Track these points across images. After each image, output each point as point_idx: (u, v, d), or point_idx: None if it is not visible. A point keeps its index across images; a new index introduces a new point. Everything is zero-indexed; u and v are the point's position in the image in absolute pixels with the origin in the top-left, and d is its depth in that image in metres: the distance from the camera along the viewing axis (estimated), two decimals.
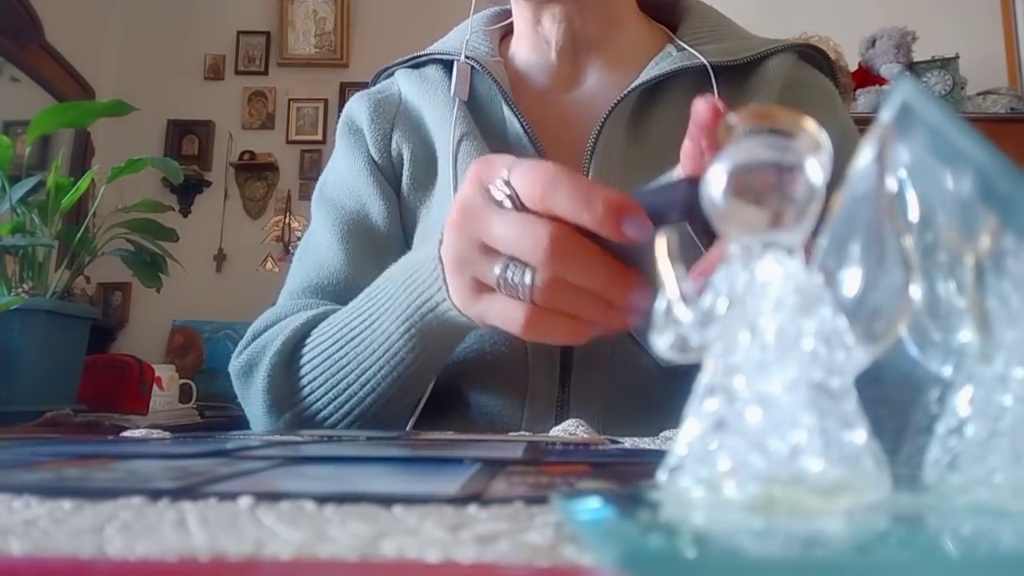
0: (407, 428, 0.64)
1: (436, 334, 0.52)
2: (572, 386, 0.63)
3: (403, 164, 0.73)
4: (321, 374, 0.59)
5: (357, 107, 0.76)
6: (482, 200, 0.42)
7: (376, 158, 0.74)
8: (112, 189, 0.90)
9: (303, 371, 0.60)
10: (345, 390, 0.58)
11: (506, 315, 0.42)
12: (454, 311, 0.48)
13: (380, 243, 0.71)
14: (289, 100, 3.26)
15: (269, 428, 0.62)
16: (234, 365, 0.65)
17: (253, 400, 0.63)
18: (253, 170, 3.22)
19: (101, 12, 3.18)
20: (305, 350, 0.61)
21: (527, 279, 0.40)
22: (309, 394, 0.59)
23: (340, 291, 0.68)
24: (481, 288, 0.44)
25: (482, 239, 0.42)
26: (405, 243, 0.73)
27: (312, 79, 3.28)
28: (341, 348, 0.58)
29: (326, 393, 0.59)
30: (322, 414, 0.59)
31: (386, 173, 0.74)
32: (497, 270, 0.42)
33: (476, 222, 0.42)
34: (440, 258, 0.47)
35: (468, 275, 0.44)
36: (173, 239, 0.95)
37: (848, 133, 0.70)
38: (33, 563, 0.14)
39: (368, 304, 0.57)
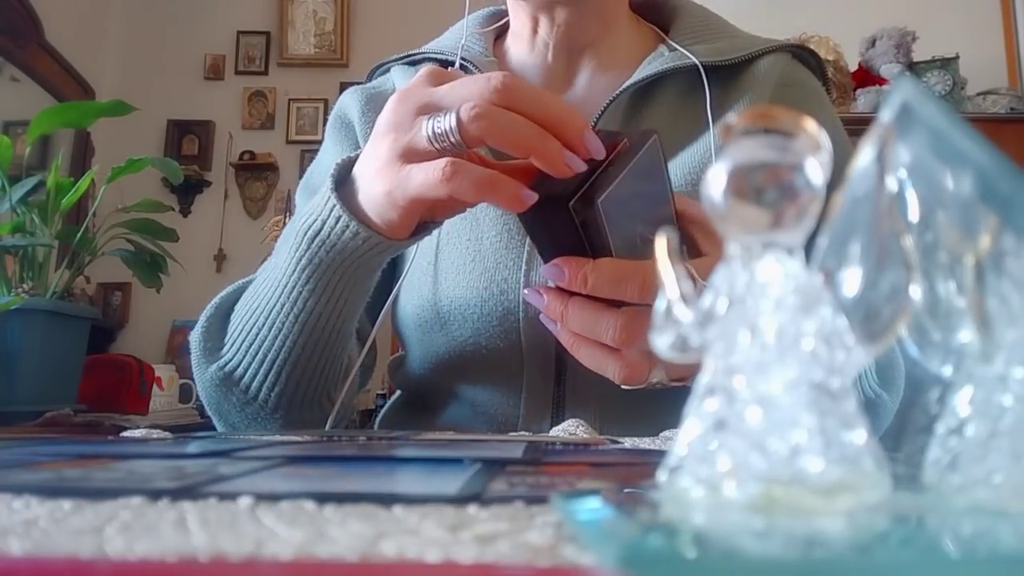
0: (344, 412, 0.63)
1: (328, 263, 0.53)
2: (567, 382, 0.63)
3: None
4: (240, 320, 0.59)
5: (349, 101, 0.76)
6: (426, 84, 0.47)
7: None
8: (112, 189, 0.90)
9: (231, 322, 0.61)
10: (256, 335, 0.57)
11: (428, 172, 0.44)
12: (344, 223, 0.50)
13: None
14: (289, 100, 3.27)
15: (203, 389, 0.62)
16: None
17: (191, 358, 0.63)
18: (253, 170, 3.22)
19: (101, 12, 3.18)
20: (238, 304, 0.61)
21: (452, 118, 0.43)
22: (231, 344, 0.59)
23: None
24: (407, 158, 0.45)
25: (423, 101, 0.45)
26: None
27: (312, 79, 3.28)
28: (254, 293, 0.58)
29: (243, 341, 0.58)
30: (242, 366, 0.58)
31: None
32: (425, 121, 0.44)
33: (418, 92, 0.46)
34: (332, 188, 0.50)
35: (399, 142, 0.45)
36: (173, 239, 0.95)
37: (837, 135, 0.70)
38: (33, 563, 0.14)
39: (279, 245, 0.58)
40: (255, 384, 0.58)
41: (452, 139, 0.43)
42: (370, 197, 0.49)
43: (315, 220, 0.52)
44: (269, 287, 0.56)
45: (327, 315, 0.55)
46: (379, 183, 0.47)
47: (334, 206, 0.50)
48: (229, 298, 0.64)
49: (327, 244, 0.51)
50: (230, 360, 0.59)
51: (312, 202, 0.53)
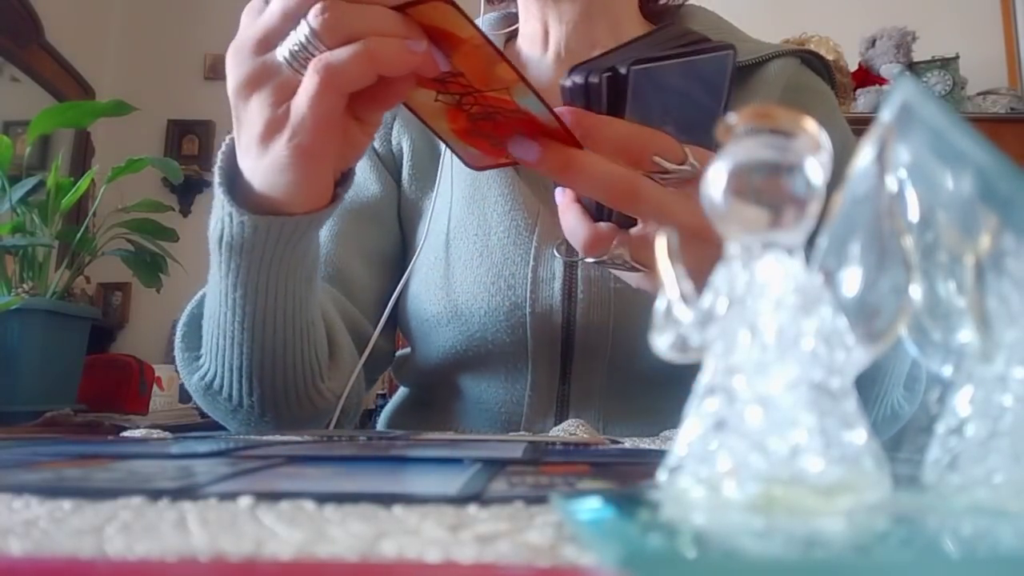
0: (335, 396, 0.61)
1: (248, 265, 0.50)
2: (572, 379, 0.64)
3: (403, 154, 0.74)
4: (204, 330, 0.56)
5: None
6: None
7: (376, 146, 0.74)
8: (112, 189, 0.90)
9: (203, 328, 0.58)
10: (218, 345, 0.55)
11: (304, 91, 0.40)
12: (243, 222, 0.47)
13: (369, 224, 0.71)
14: None
15: (194, 397, 0.60)
16: None
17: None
18: None
19: (101, 12, 3.18)
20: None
21: (303, 29, 0.39)
22: (205, 354, 0.57)
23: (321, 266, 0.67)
24: (280, 100, 0.42)
25: (258, 38, 0.42)
26: (402, 233, 0.74)
27: None
28: (207, 300, 0.55)
29: (211, 351, 0.56)
30: (217, 376, 0.56)
31: (386, 161, 0.74)
32: (278, 50, 0.41)
33: (249, 34, 0.42)
34: (220, 182, 0.47)
35: (264, 93, 0.42)
36: (173, 239, 0.95)
37: (847, 139, 0.70)
38: (33, 563, 0.14)
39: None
40: (234, 393, 0.56)
41: (312, 50, 0.39)
42: (263, 173, 0.45)
43: (216, 223, 0.49)
44: (212, 295, 0.54)
45: (273, 313, 0.53)
46: (264, 150, 0.43)
47: (224, 203, 0.47)
48: (201, 302, 0.60)
49: (237, 247, 0.49)
50: (207, 371, 0.57)
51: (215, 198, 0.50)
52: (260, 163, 0.44)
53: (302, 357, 0.57)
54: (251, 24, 0.43)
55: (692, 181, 0.43)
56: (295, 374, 0.57)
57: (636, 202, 0.42)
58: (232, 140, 0.49)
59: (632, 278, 0.49)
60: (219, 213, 0.49)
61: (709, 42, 0.46)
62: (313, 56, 0.39)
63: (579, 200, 0.47)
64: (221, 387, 0.57)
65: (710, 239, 0.38)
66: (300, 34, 0.39)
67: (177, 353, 0.60)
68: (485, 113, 0.42)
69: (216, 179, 0.48)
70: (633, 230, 0.45)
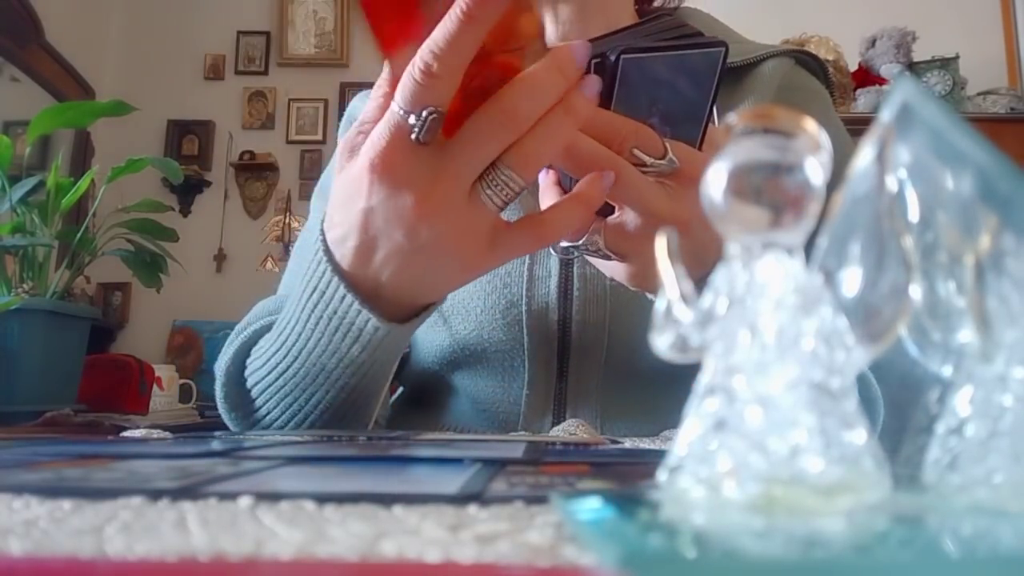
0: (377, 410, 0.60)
1: (375, 358, 0.49)
2: (569, 377, 0.64)
3: None
4: (272, 387, 0.55)
5: (360, 105, 0.77)
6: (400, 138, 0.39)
7: None
8: (112, 189, 0.90)
9: (259, 386, 0.56)
10: (298, 407, 0.54)
11: (529, 242, 0.42)
12: (391, 335, 0.46)
13: None
14: (289, 100, 3.27)
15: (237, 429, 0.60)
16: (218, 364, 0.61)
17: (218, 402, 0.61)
18: (253, 170, 3.22)
19: (101, 12, 3.18)
20: (249, 372, 0.57)
21: (514, 179, 0.39)
22: (267, 409, 0.56)
23: None
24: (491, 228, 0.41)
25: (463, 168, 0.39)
26: None
27: (312, 79, 3.28)
28: (285, 362, 0.53)
29: (280, 409, 0.55)
30: (288, 426, 0.56)
31: None
32: (483, 196, 0.39)
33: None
34: (369, 308, 0.45)
35: (476, 235, 0.41)
36: (173, 239, 0.95)
37: (841, 138, 0.70)
38: (33, 563, 0.14)
39: (297, 303, 0.51)
40: (299, 427, 0.55)
41: (518, 190, 0.40)
42: (450, 286, 0.46)
43: (348, 333, 0.47)
44: (303, 367, 0.52)
45: (371, 382, 0.53)
46: (466, 271, 0.44)
47: (373, 321, 0.46)
48: (240, 357, 0.59)
49: (374, 346, 0.48)
50: (270, 420, 0.56)
51: (328, 297, 0.47)
52: (422, 288, 0.45)
53: (377, 398, 0.57)
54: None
55: (671, 176, 0.43)
56: (365, 416, 0.57)
57: (618, 186, 0.42)
58: (354, 249, 0.44)
59: (605, 267, 0.48)
60: (351, 320, 0.46)
61: (702, 36, 0.45)
62: (516, 193, 0.40)
63: (559, 183, 0.47)
64: (283, 427, 0.56)
65: (688, 233, 0.38)
66: (511, 185, 0.39)
67: (223, 413, 0.59)
68: (482, 88, 0.39)
69: (351, 302, 0.46)
70: (610, 218, 0.45)
